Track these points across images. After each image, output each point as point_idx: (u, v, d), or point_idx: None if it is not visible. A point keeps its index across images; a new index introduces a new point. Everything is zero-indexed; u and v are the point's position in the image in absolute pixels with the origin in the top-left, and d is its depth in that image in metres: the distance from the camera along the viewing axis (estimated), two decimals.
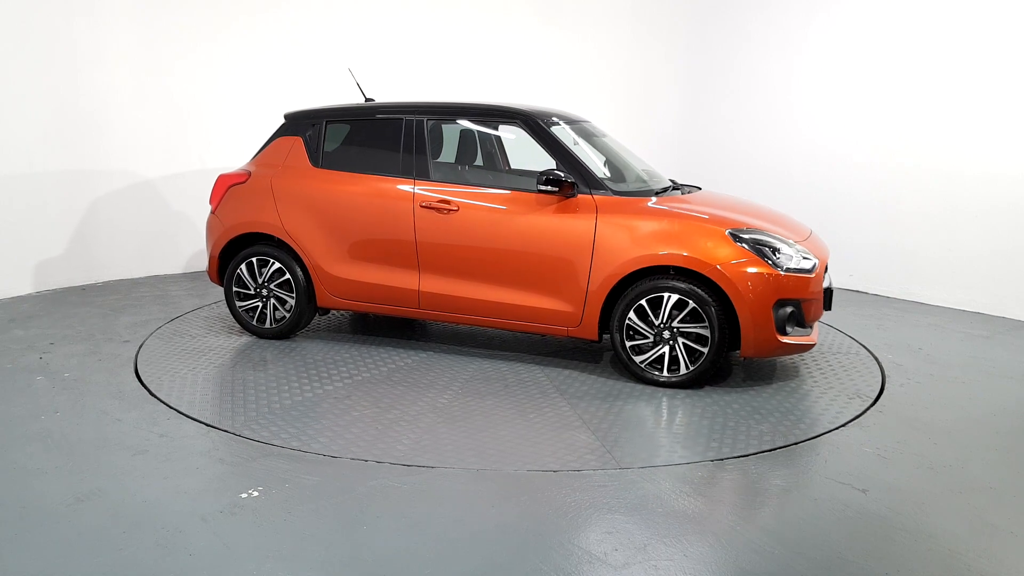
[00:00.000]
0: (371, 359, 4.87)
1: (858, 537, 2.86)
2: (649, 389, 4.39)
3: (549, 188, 4.40)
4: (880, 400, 4.34)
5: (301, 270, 5.04)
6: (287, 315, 5.12)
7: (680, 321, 4.27)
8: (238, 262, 5.16)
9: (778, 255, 4.22)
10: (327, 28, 7.57)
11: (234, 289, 5.20)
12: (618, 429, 3.84)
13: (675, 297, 4.24)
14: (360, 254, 4.89)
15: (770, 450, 3.63)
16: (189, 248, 7.39)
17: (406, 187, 4.79)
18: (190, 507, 2.99)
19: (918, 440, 3.78)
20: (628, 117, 8.88)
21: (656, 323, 4.31)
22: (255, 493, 3.10)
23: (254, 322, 5.21)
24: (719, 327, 4.19)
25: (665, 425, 3.93)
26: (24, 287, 6.42)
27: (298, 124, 5.18)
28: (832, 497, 3.17)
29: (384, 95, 6.56)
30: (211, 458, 3.50)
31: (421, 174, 4.80)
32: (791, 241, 4.37)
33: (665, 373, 4.38)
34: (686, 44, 8.96)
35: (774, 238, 4.30)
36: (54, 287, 6.60)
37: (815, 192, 7.56)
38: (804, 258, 4.29)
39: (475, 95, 7.82)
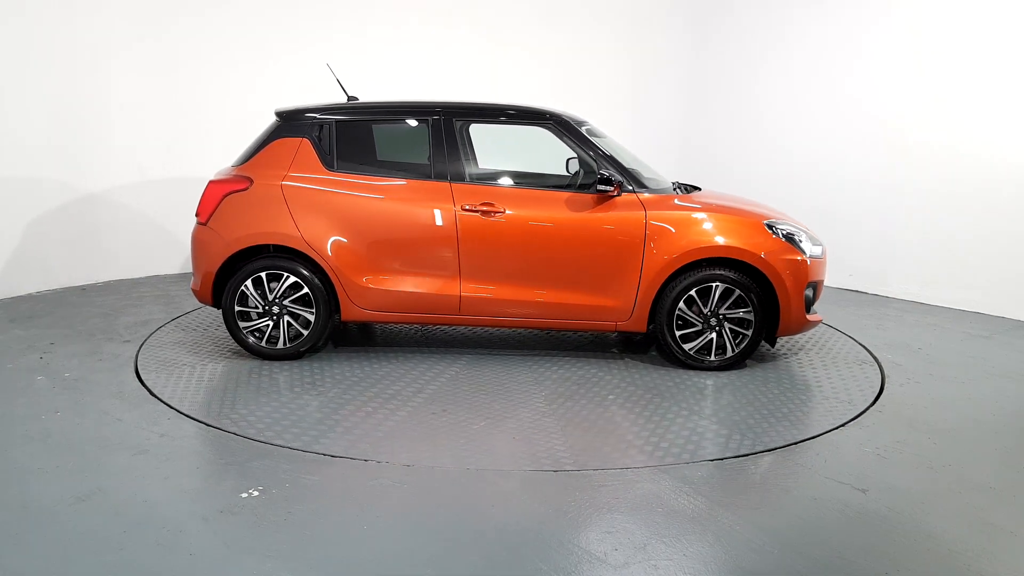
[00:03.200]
0: (414, 370, 4.66)
1: (858, 536, 2.86)
2: (694, 378, 4.59)
3: (605, 188, 4.57)
4: (880, 400, 4.34)
5: (322, 283, 4.69)
6: (305, 333, 4.73)
7: (726, 308, 4.62)
8: (241, 278, 4.66)
9: (803, 243, 4.69)
10: (327, 27, 7.57)
11: (237, 309, 4.73)
12: (724, 414, 3.91)
13: (723, 286, 4.57)
14: (393, 262, 4.65)
15: (770, 450, 3.63)
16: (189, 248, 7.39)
17: (443, 190, 4.64)
18: (190, 507, 2.99)
19: (918, 440, 3.79)
20: (628, 117, 8.88)
21: (704, 311, 4.63)
22: (255, 493, 3.10)
23: (263, 343, 4.75)
24: (762, 311, 4.59)
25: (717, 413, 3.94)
26: (25, 287, 6.42)
27: (300, 124, 4.78)
28: (832, 497, 3.17)
29: (377, 95, 6.55)
30: (211, 458, 3.51)
31: (456, 177, 4.69)
32: (804, 230, 4.86)
33: (712, 357, 4.71)
34: (686, 44, 8.96)
35: (797, 228, 4.78)
36: (55, 287, 6.60)
37: (815, 192, 7.56)
38: (815, 244, 4.79)
39: (474, 95, 7.82)
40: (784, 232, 4.66)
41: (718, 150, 8.70)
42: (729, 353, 4.70)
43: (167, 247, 7.34)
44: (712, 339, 4.68)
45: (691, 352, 4.71)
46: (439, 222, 4.60)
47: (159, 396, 4.17)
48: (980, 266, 6.39)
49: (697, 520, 2.96)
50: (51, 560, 2.61)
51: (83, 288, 6.69)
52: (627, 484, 3.24)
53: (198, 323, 5.63)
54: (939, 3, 6.52)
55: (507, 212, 4.60)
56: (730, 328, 4.66)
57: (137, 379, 4.45)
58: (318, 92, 6.37)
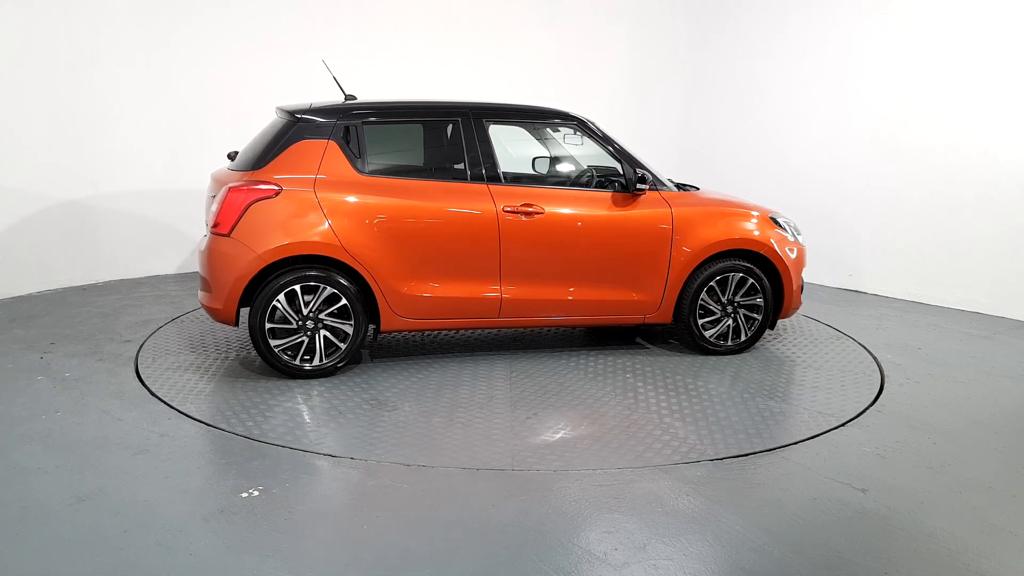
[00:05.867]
0: (460, 376, 4.59)
1: (857, 536, 2.87)
2: (715, 370, 4.61)
3: (642, 186, 4.76)
4: (880, 400, 4.34)
5: (362, 292, 4.47)
6: (342, 346, 4.46)
7: (741, 295, 4.98)
8: (274, 292, 4.31)
9: (797, 233, 5.15)
10: (329, 26, 7.57)
11: (268, 326, 4.35)
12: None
13: (739, 275, 4.92)
14: (435, 267, 4.52)
15: (769, 450, 3.63)
16: (189, 248, 7.40)
17: (482, 192, 4.59)
18: (190, 507, 2.99)
19: (918, 440, 3.79)
20: (628, 117, 8.88)
21: (722, 300, 4.97)
22: (255, 493, 3.10)
23: (296, 361, 4.43)
24: (771, 296, 5.02)
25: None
26: (25, 287, 6.42)
27: (324, 125, 4.50)
28: (831, 496, 3.17)
29: (375, 94, 6.54)
30: (211, 458, 3.51)
31: (492, 178, 4.64)
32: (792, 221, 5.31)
33: (729, 343, 5.05)
34: (686, 44, 8.96)
35: (789, 220, 5.21)
36: (55, 287, 6.60)
37: (815, 192, 7.56)
38: (799, 233, 5.24)
39: (473, 95, 7.82)
40: (784, 224, 5.11)
41: (718, 150, 8.69)
42: (743, 337, 5.06)
43: (167, 247, 7.33)
44: (729, 325, 5.02)
45: (711, 339, 5.01)
46: (482, 224, 4.54)
47: (159, 396, 4.17)
48: (980, 266, 6.39)
49: (697, 520, 2.96)
50: (51, 560, 2.61)
51: (84, 288, 6.69)
52: (627, 484, 3.25)
53: (198, 323, 5.63)
54: (937, 3, 6.52)
55: (545, 212, 4.63)
56: (744, 314, 5.03)
57: (137, 379, 4.44)
58: (318, 91, 6.36)
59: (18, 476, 3.23)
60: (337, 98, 4.99)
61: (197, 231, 7.23)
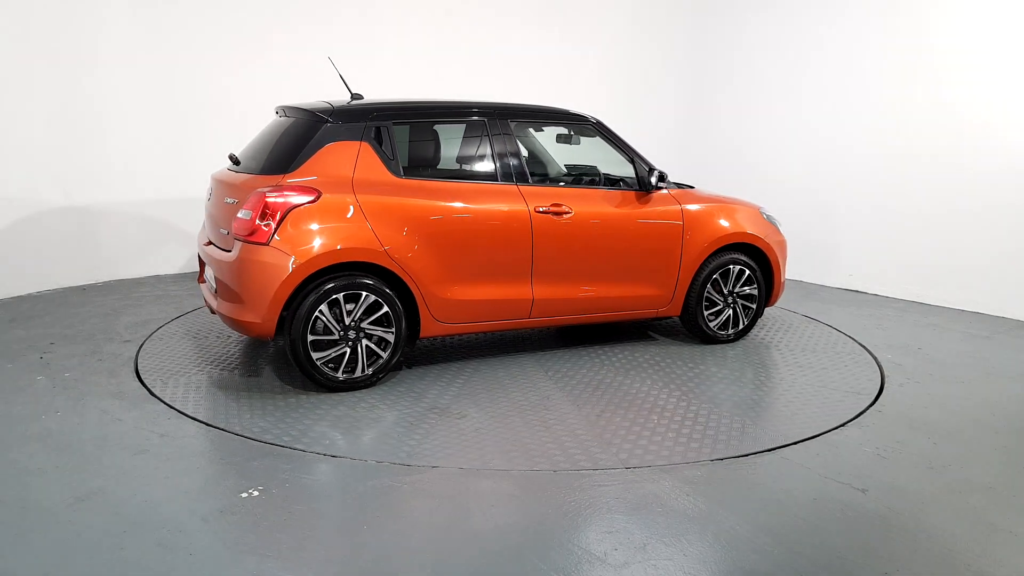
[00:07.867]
0: (496, 377, 4.57)
1: (857, 537, 2.87)
2: (716, 367, 4.53)
3: (661, 184, 4.97)
4: (880, 400, 4.34)
5: (401, 299, 4.33)
6: (383, 355, 4.30)
7: (740, 286, 5.27)
8: (316, 302, 4.09)
9: (780, 225, 5.47)
10: (328, 25, 7.57)
11: (311, 338, 4.14)
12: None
13: (737, 268, 5.20)
14: (474, 271, 4.48)
15: (769, 450, 3.63)
16: (190, 248, 7.39)
17: (513, 193, 4.60)
18: (190, 507, 2.99)
19: (918, 440, 3.79)
20: (627, 117, 8.87)
21: (724, 291, 5.24)
22: (255, 493, 3.10)
23: (339, 373, 4.22)
24: (765, 285, 5.35)
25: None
26: (25, 287, 6.42)
27: (352, 126, 4.34)
28: (831, 497, 3.17)
29: (376, 93, 6.54)
30: (211, 458, 3.51)
31: (521, 178, 4.67)
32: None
33: (730, 331, 5.34)
34: (685, 44, 8.96)
35: (772, 214, 5.54)
36: (55, 287, 6.60)
37: (814, 192, 7.56)
38: (781, 227, 5.57)
39: (474, 94, 7.81)
40: (771, 218, 5.47)
41: (717, 150, 8.68)
42: (741, 325, 5.36)
43: (167, 247, 7.33)
44: (729, 315, 5.29)
45: (715, 328, 5.27)
46: (517, 225, 4.55)
47: (159, 396, 4.17)
48: (980, 266, 6.39)
49: (697, 520, 2.96)
50: (51, 560, 2.61)
51: (84, 288, 6.69)
52: (627, 484, 3.25)
53: (198, 323, 5.63)
54: (939, 3, 6.51)
55: (574, 212, 4.70)
56: (741, 304, 5.31)
57: (137, 379, 4.44)
58: (318, 91, 6.36)
59: (18, 476, 3.23)
60: (337, 97, 4.95)
61: (197, 231, 7.21)
